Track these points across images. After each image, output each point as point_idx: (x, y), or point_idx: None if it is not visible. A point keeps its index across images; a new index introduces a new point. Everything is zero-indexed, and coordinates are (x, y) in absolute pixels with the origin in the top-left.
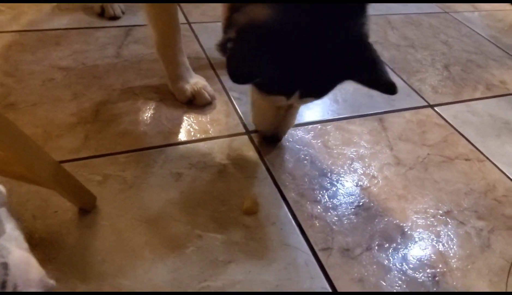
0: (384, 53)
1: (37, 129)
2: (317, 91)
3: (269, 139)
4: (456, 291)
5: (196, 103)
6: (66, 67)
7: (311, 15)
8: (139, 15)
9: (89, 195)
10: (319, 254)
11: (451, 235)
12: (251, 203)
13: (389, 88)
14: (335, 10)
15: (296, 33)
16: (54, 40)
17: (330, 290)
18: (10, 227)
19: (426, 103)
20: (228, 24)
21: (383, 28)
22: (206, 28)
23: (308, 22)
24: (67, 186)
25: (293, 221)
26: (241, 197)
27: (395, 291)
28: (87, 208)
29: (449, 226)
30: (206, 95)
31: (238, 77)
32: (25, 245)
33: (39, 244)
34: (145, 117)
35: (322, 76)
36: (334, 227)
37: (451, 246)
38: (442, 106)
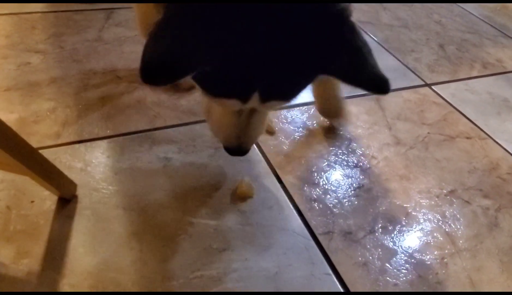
0: (378, 34)
1: (11, 116)
2: (284, 91)
3: (232, 151)
4: (466, 272)
5: (181, 86)
6: (43, 51)
7: None
8: None
9: (69, 182)
10: (320, 238)
11: (457, 215)
12: (245, 187)
13: (379, 85)
14: None
15: (245, 7)
16: (30, 24)
17: (333, 275)
18: None
19: (423, 82)
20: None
21: (375, 8)
22: None
23: None
24: (45, 173)
25: (290, 205)
26: (235, 181)
27: (402, 274)
28: (67, 196)
29: (454, 205)
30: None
31: (153, 70)
32: None
33: (14, 236)
34: (129, 101)
35: (286, 68)
36: (334, 210)
37: (458, 226)
38: (440, 85)
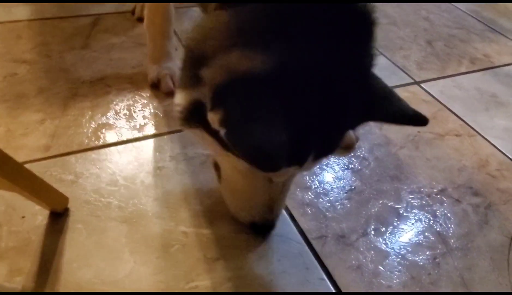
0: None
1: None
2: (332, 147)
3: (260, 229)
4: (458, 271)
5: (160, 89)
6: (29, 60)
7: (311, 47)
8: (107, 4)
9: (60, 196)
10: (313, 243)
11: (448, 214)
12: None
13: (419, 119)
14: (342, 33)
15: (299, 76)
16: (15, 33)
17: (327, 280)
18: None
19: (412, 80)
20: (192, 83)
21: None
22: (182, 14)
23: (311, 56)
24: (33, 188)
25: (283, 210)
26: None
27: (395, 276)
28: (58, 210)
29: (445, 204)
30: (170, 83)
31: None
32: None
33: (5, 253)
34: (119, 110)
35: (339, 127)
36: (327, 213)
37: (449, 225)
38: (428, 83)
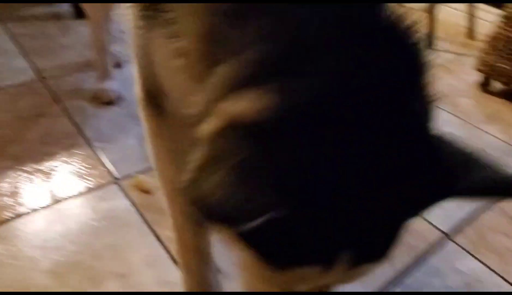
0: None
1: None
2: (383, 247)
3: None
4: None
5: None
6: None
7: (347, 89)
8: None
9: None
10: None
11: None
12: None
13: None
14: (395, 67)
15: (330, 130)
16: None
17: None
18: None
19: None
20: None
21: None
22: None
23: (349, 104)
24: None
25: None
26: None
27: None
28: None
29: None
30: None
31: (211, 211)
32: None
33: None
34: None
35: (391, 213)
36: None
37: None
38: None
